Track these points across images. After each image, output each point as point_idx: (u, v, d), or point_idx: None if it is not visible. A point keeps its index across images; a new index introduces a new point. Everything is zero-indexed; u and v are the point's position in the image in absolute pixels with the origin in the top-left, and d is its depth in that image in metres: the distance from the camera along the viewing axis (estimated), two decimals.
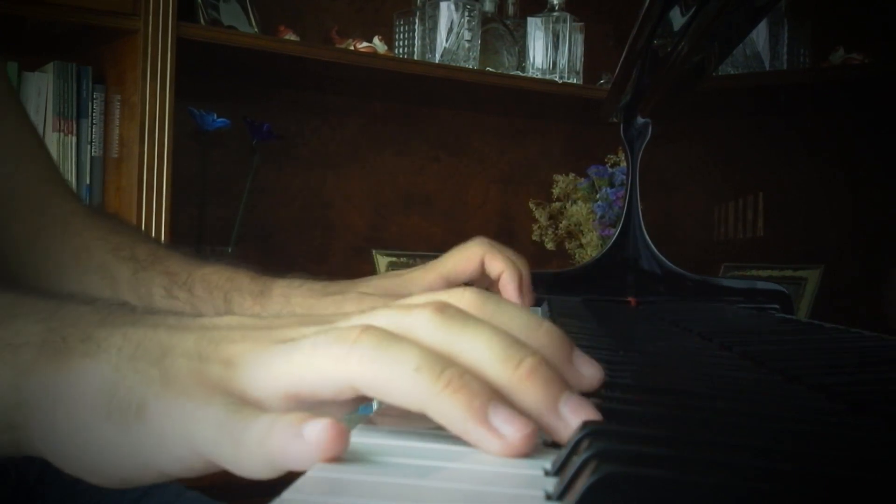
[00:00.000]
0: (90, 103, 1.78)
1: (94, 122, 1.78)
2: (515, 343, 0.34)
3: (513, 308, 0.38)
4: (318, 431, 0.31)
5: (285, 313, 0.74)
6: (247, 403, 0.34)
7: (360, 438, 0.35)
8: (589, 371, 0.37)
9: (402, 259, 2.22)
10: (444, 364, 0.33)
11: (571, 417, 0.33)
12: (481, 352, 0.34)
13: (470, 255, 0.72)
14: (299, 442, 0.31)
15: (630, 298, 1.12)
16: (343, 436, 0.31)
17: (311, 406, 0.35)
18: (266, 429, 0.32)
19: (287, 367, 0.34)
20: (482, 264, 0.72)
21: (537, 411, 0.33)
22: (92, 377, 0.35)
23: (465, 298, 0.37)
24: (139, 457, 0.34)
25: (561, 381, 0.34)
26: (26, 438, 0.36)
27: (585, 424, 0.32)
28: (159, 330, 0.37)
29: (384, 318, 0.35)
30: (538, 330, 0.37)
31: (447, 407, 0.32)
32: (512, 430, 0.32)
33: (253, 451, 0.32)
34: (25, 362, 0.36)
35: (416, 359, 0.33)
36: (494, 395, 0.33)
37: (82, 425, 0.35)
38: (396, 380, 0.33)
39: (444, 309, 0.35)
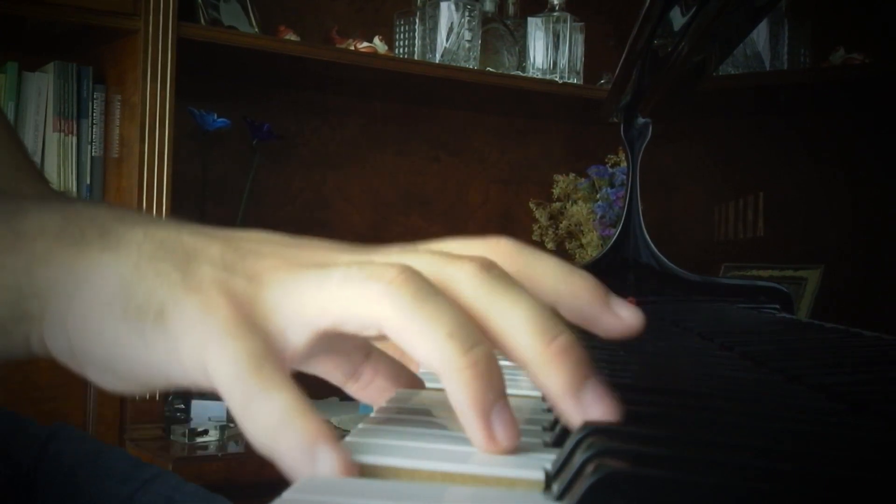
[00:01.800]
0: (90, 103, 1.78)
1: (94, 122, 1.78)
2: (553, 318, 0.33)
3: (548, 258, 0.37)
4: (329, 462, 0.29)
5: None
6: (270, 349, 0.32)
7: (360, 439, 0.35)
8: (628, 314, 0.37)
9: None
10: (476, 338, 0.32)
11: (592, 405, 0.32)
12: (518, 320, 0.33)
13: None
14: (306, 461, 0.30)
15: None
16: (351, 471, 0.30)
17: (331, 338, 0.34)
18: (280, 422, 0.30)
19: (316, 296, 0.33)
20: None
21: (560, 391, 0.32)
22: (110, 273, 0.34)
23: (501, 248, 0.36)
24: (150, 360, 0.33)
25: (590, 366, 0.33)
26: (37, 333, 0.35)
27: (585, 425, 0.32)
28: (183, 233, 0.35)
29: (425, 261, 0.34)
30: (573, 276, 0.36)
31: (461, 387, 0.31)
32: (506, 437, 0.31)
33: (258, 430, 0.31)
34: (42, 251, 0.35)
35: (451, 324, 0.31)
36: (505, 394, 0.32)
37: (97, 320, 0.34)
38: (426, 339, 0.31)
39: (489, 268, 0.33)
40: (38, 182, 0.78)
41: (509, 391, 0.33)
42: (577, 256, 2.39)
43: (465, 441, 0.32)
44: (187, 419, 1.78)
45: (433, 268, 0.33)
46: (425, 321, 0.31)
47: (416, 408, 0.41)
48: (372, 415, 0.39)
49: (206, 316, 0.32)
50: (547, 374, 0.32)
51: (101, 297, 0.34)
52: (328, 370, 0.43)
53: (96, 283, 0.34)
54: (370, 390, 0.44)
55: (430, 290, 0.32)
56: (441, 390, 0.33)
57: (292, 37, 2.03)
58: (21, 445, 0.80)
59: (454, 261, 0.34)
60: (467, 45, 2.13)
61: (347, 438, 0.34)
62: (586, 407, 0.32)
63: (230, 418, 1.77)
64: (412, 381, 0.44)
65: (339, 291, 0.32)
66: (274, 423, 0.30)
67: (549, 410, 0.42)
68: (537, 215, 2.44)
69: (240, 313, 0.32)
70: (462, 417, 0.32)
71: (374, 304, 0.32)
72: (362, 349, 0.43)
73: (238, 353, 0.31)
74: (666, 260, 1.12)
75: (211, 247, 0.35)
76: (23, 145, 0.83)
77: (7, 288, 0.35)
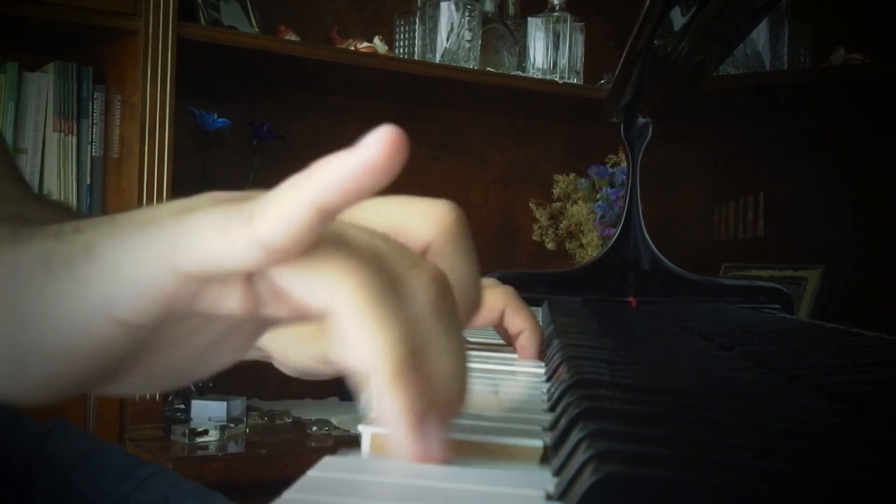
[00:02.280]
0: (90, 103, 1.78)
1: (94, 122, 1.78)
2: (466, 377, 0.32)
3: (470, 264, 0.36)
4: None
5: None
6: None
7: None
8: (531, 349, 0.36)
9: None
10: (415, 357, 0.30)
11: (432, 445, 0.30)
12: (445, 367, 0.31)
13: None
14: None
15: (630, 298, 1.12)
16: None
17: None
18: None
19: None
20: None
21: (407, 424, 0.30)
22: (24, 252, 0.33)
23: (443, 226, 0.35)
24: (87, 296, 0.31)
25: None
26: None
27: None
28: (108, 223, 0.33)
29: (396, 255, 0.32)
30: (479, 292, 0.36)
31: (397, 397, 0.29)
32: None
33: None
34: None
35: (400, 333, 0.30)
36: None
37: (17, 297, 0.32)
38: (376, 337, 0.29)
39: (445, 294, 0.32)
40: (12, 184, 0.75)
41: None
42: (577, 256, 2.39)
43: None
44: (187, 419, 1.78)
45: (401, 264, 0.32)
46: (382, 320, 0.30)
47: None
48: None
49: (150, 230, 0.31)
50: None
51: (17, 275, 0.33)
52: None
53: (12, 266, 0.33)
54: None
55: (392, 293, 0.30)
56: None
57: (292, 37, 2.03)
58: (17, 443, 0.80)
59: (417, 269, 0.32)
60: (467, 45, 2.13)
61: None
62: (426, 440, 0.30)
63: (230, 418, 1.77)
64: None
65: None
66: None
67: (550, 410, 0.42)
68: (537, 215, 2.44)
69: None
70: (390, 423, 0.30)
71: (336, 272, 0.30)
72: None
73: (211, 215, 0.31)
74: (666, 260, 1.12)
75: (129, 212, 0.34)
76: (7, 149, 0.81)
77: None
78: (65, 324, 0.32)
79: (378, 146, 0.29)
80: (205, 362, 0.35)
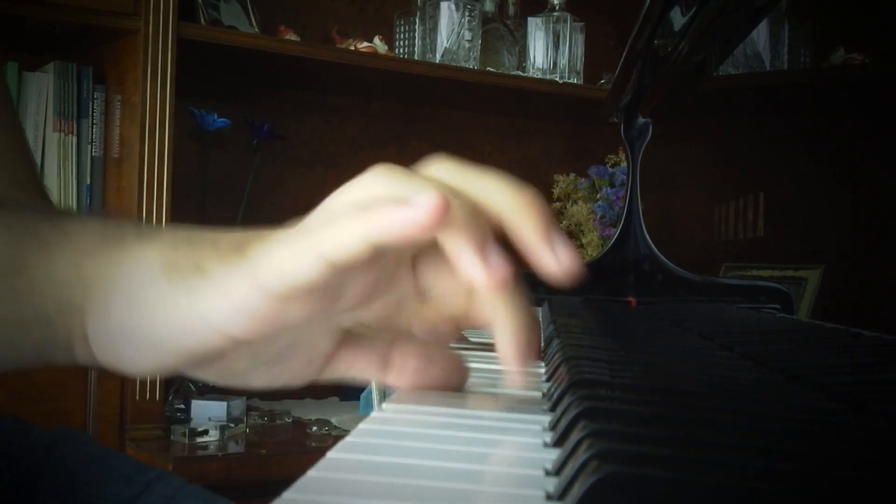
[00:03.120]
0: (90, 103, 1.78)
1: (94, 122, 1.78)
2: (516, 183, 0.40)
3: (491, 172, 0.42)
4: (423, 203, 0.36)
5: None
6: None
7: (361, 438, 0.35)
8: (565, 256, 0.39)
9: None
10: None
11: (561, 250, 0.38)
12: (494, 189, 0.40)
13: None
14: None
15: (630, 298, 1.12)
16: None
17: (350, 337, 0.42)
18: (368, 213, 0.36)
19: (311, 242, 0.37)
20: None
21: (536, 237, 0.38)
22: (149, 254, 0.39)
23: (445, 164, 0.43)
24: (198, 310, 0.37)
25: (555, 222, 0.39)
26: (79, 326, 0.40)
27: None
28: (201, 231, 0.41)
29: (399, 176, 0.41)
30: (519, 193, 0.40)
31: (462, 228, 0.37)
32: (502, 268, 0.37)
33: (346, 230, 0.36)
34: (87, 246, 0.40)
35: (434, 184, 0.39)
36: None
37: (141, 293, 0.38)
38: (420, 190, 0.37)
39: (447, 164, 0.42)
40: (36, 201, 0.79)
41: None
42: None
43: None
44: (187, 419, 1.78)
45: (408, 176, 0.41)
46: (416, 182, 0.40)
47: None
48: (371, 414, 0.39)
49: (249, 259, 0.37)
50: (524, 223, 0.38)
51: (142, 273, 0.39)
52: (361, 367, 0.44)
53: (137, 264, 0.39)
54: (405, 374, 0.44)
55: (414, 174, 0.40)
56: None
57: (292, 37, 2.03)
58: (24, 449, 0.81)
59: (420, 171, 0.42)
60: (467, 45, 2.13)
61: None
62: (557, 252, 0.38)
63: (230, 418, 1.77)
64: (445, 358, 0.46)
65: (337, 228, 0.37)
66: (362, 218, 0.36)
67: (550, 410, 0.42)
68: None
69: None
70: (463, 256, 0.37)
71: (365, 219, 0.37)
72: (385, 339, 0.44)
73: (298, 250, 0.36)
74: (666, 260, 1.12)
75: (225, 236, 0.40)
76: (34, 161, 0.84)
77: (56, 280, 0.40)
78: (176, 325, 0.38)
79: (426, 211, 0.35)
80: (278, 366, 0.42)
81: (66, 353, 0.41)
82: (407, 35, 2.17)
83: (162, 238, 0.40)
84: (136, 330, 0.39)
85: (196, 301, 0.37)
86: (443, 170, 0.42)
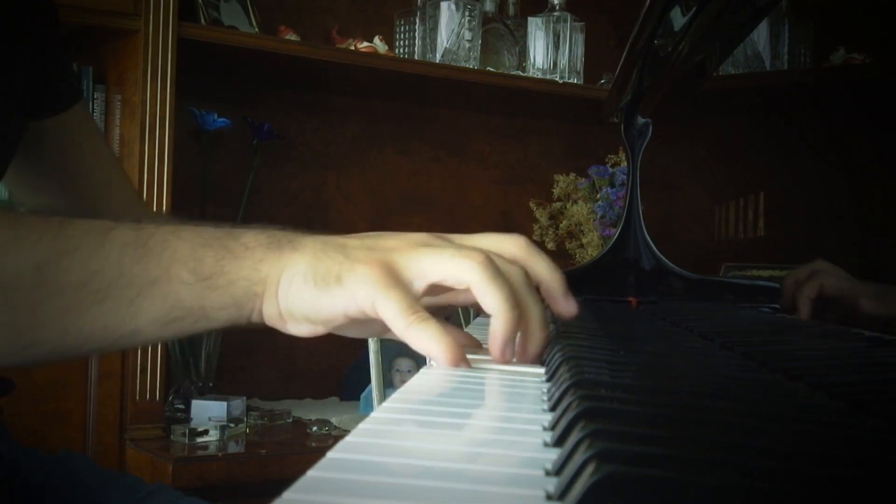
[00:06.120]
0: (91, 103, 1.78)
1: None
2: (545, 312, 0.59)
3: (543, 256, 0.62)
4: (458, 363, 0.54)
5: None
6: (414, 294, 0.55)
7: (361, 438, 0.35)
8: (570, 307, 0.62)
9: None
10: (517, 303, 0.56)
11: (571, 304, 0.62)
12: (541, 267, 0.61)
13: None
14: (447, 362, 0.54)
15: (630, 298, 1.12)
16: (459, 355, 0.54)
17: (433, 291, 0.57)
18: (431, 339, 0.53)
19: (434, 262, 0.56)
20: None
21: (559, 295, 0.62)
22: (300, 261, 0.58)
23: (517, 242, 0.61)
24: (335, 307, 0.56)
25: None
26: (259, 306, 0.59)
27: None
28: (332, 237, 0.59)
29: (494, 259, 0.57)
30: (554, 272, 0.61)
31: (503, 322, 0.55)
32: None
33: (416, 344, 0.54)
34: (261, 255, 0.58)
35: (507, 292, 0.55)
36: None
37: (297, 289, 0.57)
38: (493, 297, 0.54)
39: (527, 278, 0.58)
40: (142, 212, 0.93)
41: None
42: (576, 256, 2.39)
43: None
44: (187, 419, 1.78)
45: (499, 263, 0.57)
46: (501, 287, 0.55)
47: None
48: (372, 414, 0.39)
49: (369, 275, 0.55)
50: (555, 292, 0.61)
51: (297, 275, 0.57)
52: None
53: (293, 268, 0.58)
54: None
55: (499, 272, 0.56)
56: None
57: (292, 37, 2.03)
58: (28, 470, 0.86)
59: (507, 264, 0.58)
60: (467, 45, 2.13)
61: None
62: (569, 304, 0.61)
63: (230, 418, 1.77)
64: (461, 335, 0.62)
65: (449, 261, 0.56)
66: (427, 341, 0.53)
67: (550, 410, 0.42)
68: (537, 215, 2.44)
69: (387, 272, 0.55)
70: (498, 334, 0.56)
71: (469, 272, 0.55)
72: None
73: (398, 298, 0.54)
74: (666, 260, 1.12)
75: (354, 240, 0.58)
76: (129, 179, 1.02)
77: (244, 278, 0.58)
78: (321, 312, 0.57)
79: (447, 359, 0.54)
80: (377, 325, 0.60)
81: (246, 321, 0.60)
82: (407, 35, 2.17)
83: (306, 246, 0.58)
84: (295, 312, 0.58)
85: (335, 301, 0.56)
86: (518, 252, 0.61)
